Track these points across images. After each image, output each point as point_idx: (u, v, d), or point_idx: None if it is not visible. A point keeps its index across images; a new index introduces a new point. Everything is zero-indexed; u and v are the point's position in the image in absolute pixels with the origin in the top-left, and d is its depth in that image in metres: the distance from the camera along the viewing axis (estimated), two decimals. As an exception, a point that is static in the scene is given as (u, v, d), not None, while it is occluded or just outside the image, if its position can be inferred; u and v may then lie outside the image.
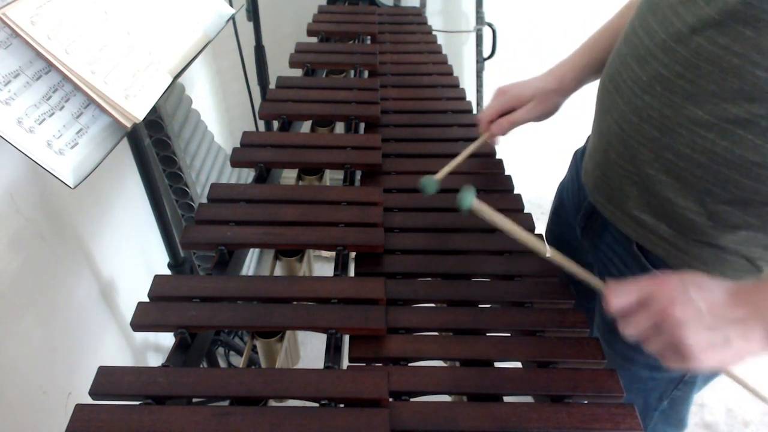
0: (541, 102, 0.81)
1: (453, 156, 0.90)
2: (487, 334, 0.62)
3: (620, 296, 0.52)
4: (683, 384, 0.77)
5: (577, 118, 0.96)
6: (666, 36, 0.57)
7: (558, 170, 0.99)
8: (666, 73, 0.58)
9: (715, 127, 0.55)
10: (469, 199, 0.62)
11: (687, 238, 0.64)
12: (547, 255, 0.61)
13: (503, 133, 0.84)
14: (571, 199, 0.86)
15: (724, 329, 0.49)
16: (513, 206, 0.80)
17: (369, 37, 1.25)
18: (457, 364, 0.61)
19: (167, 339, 1.52)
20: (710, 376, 0.76)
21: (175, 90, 1.37)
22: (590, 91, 0.84)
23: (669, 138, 0.59)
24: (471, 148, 0.84)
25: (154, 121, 1.26)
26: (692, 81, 0.55)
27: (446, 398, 0.58)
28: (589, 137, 0.85)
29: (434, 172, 0.85)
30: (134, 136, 0.91)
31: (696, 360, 0.49)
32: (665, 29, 0.57)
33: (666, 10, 0.58)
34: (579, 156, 0.87)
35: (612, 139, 0.67)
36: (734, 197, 0.58)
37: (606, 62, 0.78)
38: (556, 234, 0.93)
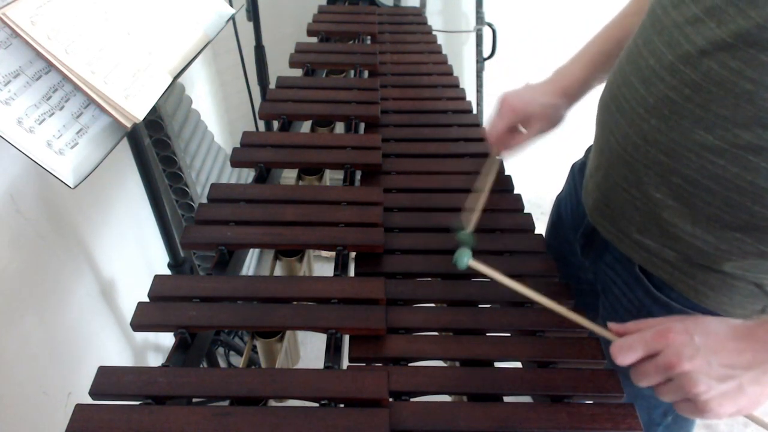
0: (549, 118, 0.78)
1: (453, 156, 0.90)
2: (487, 334, 0.62)
3: (626, 354, 0.51)
4: None
5: (578, 119, 0.96)
6: (674, 58, 0.55)
7: (559, 171, 0.99)
8: (674, 96, 0.55)
9: (726, 153, 0.53)
10: (465, 260, 0.62)
11: (693, 263, 0.62)
12: (552, 306, 0.60)
13: (511, 153, 0.81)
14: (569, 215, 0.84)
15: (735, 377, 0.48)
16: (513, 206, 0.80)
17: (369, 37, 1.25)
18: (457, 364, 0.61)
19: (167, 339, 1.52)
20: None
21: (175, 90, 1.37)
22: (592, 97, 0.84)
23: (677, 163, 0.57)
24: (490, 179, 0.78)
25: (154, 121, 1.26)
26: (702, 105, 0.53)
27: (446, 398, 0.58)
28: (587, 151, 0.83)
29: (434, 172, 0.85)
30: (134, 136, 0.91)
31: (712, 412, 0.48)
32: (673, 51, 0.55)
33: (673, 31, 0.55)
34: (577, 170, 0.85)
35: (614, 161, 0.65)
36: (744, 224, 0.56)
37: (610, 71, 0.76)
38: (554, 249, 0.89)
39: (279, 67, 1.21)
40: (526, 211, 0.79)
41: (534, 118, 0.78)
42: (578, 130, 0.99)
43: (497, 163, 0.81)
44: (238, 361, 1.63)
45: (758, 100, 0.49)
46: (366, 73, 1.11)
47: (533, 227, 0.77)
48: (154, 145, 1.31)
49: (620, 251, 0.70)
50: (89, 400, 0.53)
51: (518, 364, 0.60)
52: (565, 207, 0.87)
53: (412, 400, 0.55)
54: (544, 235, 0.94)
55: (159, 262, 1.40)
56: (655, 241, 0.64)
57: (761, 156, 0.52)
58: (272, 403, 0.57)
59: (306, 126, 1.05)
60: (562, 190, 0.90)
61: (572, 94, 0.78)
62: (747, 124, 0.51)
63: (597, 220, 0.72)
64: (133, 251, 1.32)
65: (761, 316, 0.64)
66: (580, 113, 0.86)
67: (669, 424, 0.78)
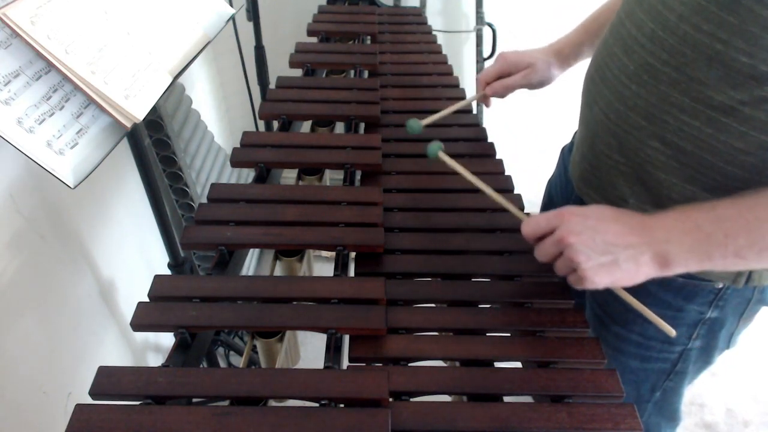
0: (537, 70, 0.86)
1: (453, 156, 0.90)
2: (487, 334, 0.62)
3: (531, 226, 0.60)
4: (674, 375, 0.78)
5: (578, 119, 0.96)
6: (654, 25, 0.59)
7: (558, 170, 0.99)
8: (653, 61, 0.59)
9: (700, 114, 0.57)
10: (435, 149, 0.68)
11: None
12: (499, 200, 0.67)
13: (497, 95, 0.90)
14: (559, 195, 0.88)
15: (614, 254, 0.55)
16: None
17: (369, 37, 1.25)
18: (457, 364, 0.61)
19: (167, 339, 1.52)
20: (700, 368, 0.78)
21: (175, 90, 1.37)
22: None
23: (655, 126, 0.61)
24: (462, 103, 0.90)
25: (154, 121, 1.26)
26: (678, 68, 0.57)
27: (446, 398, 0.58)
28: (575, 133, 0.86)
29: (434, 173, 0.85)
30: (134, 136, 0.91)
31: (589, 280, 0.56)
32: (653, 18, 0.59)
33: (653, 0, 0.59)
34: (566, 152, 0.89)
35: (598, 130, 0.69)
36: (718, 185, 0.59)
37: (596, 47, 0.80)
38: None
39: (279, 67, 1.21)
40: (526, 211, 0.79)
41: (523, 65, 0.87)
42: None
43: (476, 96, 0.92)
44: (238, 361, 1.63)
45: (728, 61, 0.53)
46: (366, 73, 1.11)
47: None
48: (154, 145, 1.31)
49: None
50: (89, 400, 0.53)
51: (518, 364, 0.60)
52: (555, 187, 0.90)
53: (412, 400, 0.55)
54: None
55: (159, 262, 1.40)
56: (637, 207, 0.67)
57: (732, 116, 0.55)
58: (272, 403, 0.57)
59: (306, 126, 1.05)
60: (553, 173, 0.94)
61: (564, 55, 0.87)
62: (718, 85, 0.55)
63: (583, 190, 0.76)
64: (133, 251, 1.32)
65: (738, 279, 0.66)
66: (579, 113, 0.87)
67: (657, 400, 0.81)
